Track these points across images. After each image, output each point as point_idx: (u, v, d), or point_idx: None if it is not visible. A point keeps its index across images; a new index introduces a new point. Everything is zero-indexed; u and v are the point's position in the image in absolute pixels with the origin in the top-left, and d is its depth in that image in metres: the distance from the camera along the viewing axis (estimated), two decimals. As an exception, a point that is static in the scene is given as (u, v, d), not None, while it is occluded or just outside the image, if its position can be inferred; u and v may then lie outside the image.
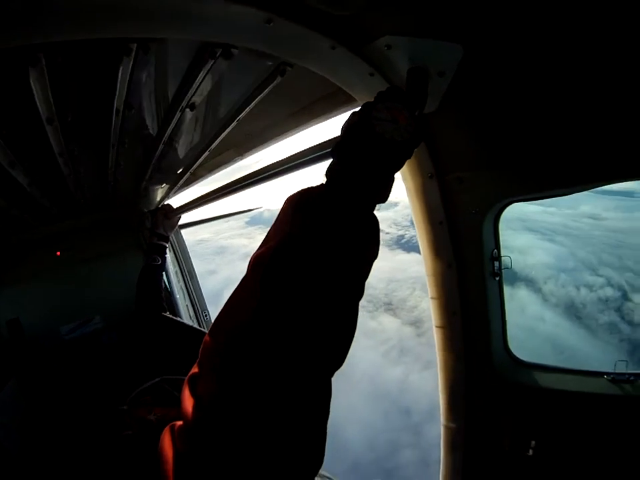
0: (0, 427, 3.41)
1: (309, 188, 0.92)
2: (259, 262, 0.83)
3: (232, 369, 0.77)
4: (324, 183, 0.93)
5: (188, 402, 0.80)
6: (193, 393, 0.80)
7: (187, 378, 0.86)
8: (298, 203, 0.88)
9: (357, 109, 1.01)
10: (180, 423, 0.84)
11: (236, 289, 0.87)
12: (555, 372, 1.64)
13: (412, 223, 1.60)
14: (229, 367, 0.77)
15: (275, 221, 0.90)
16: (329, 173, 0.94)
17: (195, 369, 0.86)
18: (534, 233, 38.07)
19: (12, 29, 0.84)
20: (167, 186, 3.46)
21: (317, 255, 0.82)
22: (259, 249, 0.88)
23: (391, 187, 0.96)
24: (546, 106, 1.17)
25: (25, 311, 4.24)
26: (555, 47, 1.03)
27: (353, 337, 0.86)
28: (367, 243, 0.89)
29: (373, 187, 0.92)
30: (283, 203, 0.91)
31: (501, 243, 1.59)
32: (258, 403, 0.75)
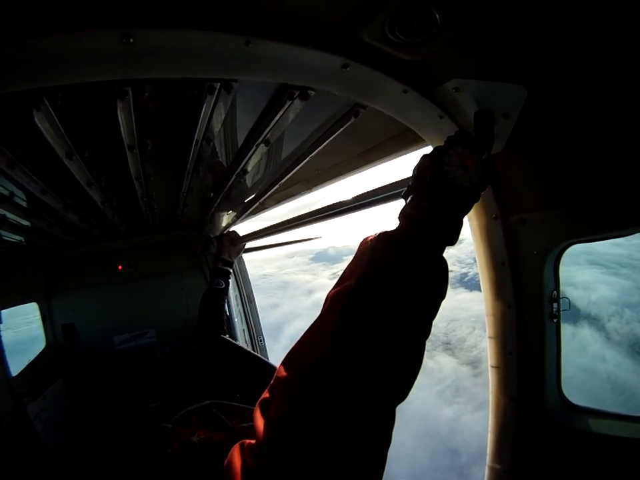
0: (42, 424, 3.56)
1: (384, 231, 0.96)
2: (337, 299, 0.89)
3: (306, 397, 0.82)
4: (397, 226, 0.97)
5: (259, 423, 0.86)
6: (265, 416, 0.87)
7: (258, 402, 0.92)
8: (374, 245, 0.93)
9: (427, 152, 1.04)
10: (250, 441, 0.90)
11: (312, 324, 0.93)
12: (610, 418, 1.55)
13: (475, 261, 1.59)
14: (303, 396, 0.82)
15: (352, 261, 0.95)
16: (403, 217, 0.98)
17: (266, 394, 0.92)
18: (598, 266, 36.67)
19: (109, 66, 0.96)
20: (234, 213, 3.57)
21: (391, 294, 0.86)
22: (335, 287, 0.93)
23: (460, 229, 0.99)
24: (609, 145, 1.16)
25: (81, 317, 4.49)
26: (613, 85, 1.03)
27: (418, 371, 0.90)
28: (436, 283, 0.92)
29: (444, 231, 0.95)
30: (359, 244, 0.96)
31: (565, 280, 1.56)
32: (328, 429, 0.80)
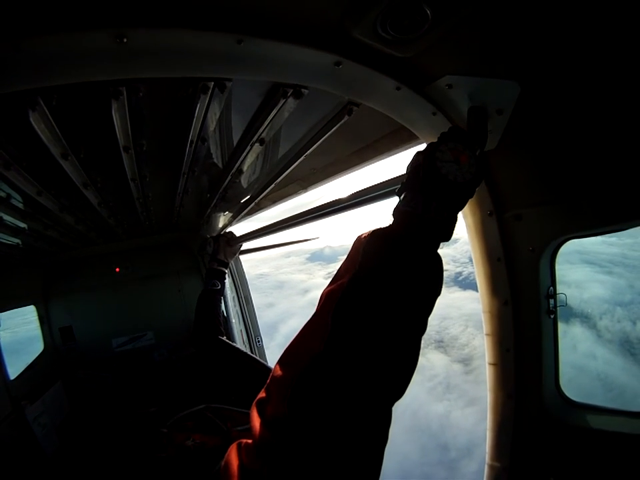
0: (40, 427, 3.53)
1: (378, 228, 0.97)
2: (331, 297, 0.88)
3: (301, 396, 0.82)
4: (391, 223, 0.97)
5: (256, 423, 0.86)
6: (261, 415, 0.86)
7: (254, 401, 0.92)
8: (368, 242, 0.93)
9: (421, 149, 1.05)
10: (247, 440, 0.90)
11: (307, 322, 0.92)
12: (608, 413, 1.55)
13: (470, 260, 1.60)
14: (298, 395, 0.82)
15: (346, 259, 0.95)
16: (396, 213, 0.98)
17: (262, 394, 0.92)
18: (591, 265, 36.91)
19: (104, 66, 0.96)
20: (230, 214, 3.55)
21: (385, 291, 0.86)
22: (329, 285, 0.93)
23: (455, 225, 0.99)
24: (603, 140, 1.16)
25: (78, 320, 4.46)
26: (607, 79, 1.03)
27: (414, 369, 0.90)
28: (431, 280, 0.92)
29: (438, 227, 0.95)
30: (353, 242, 0.96)
31: (558, 278, 1.56)
32: (324, 428, 0.79)
